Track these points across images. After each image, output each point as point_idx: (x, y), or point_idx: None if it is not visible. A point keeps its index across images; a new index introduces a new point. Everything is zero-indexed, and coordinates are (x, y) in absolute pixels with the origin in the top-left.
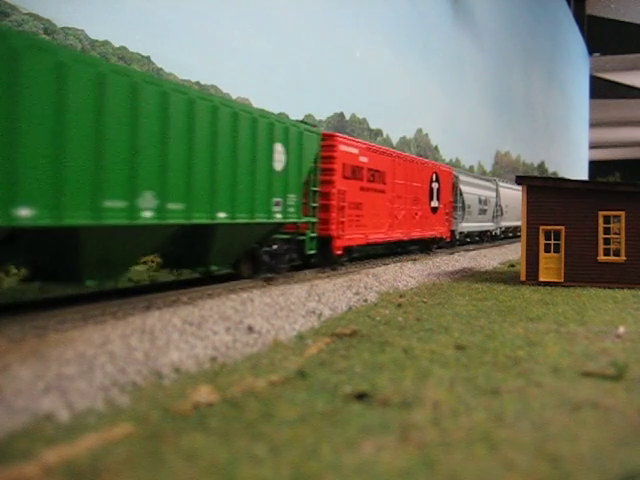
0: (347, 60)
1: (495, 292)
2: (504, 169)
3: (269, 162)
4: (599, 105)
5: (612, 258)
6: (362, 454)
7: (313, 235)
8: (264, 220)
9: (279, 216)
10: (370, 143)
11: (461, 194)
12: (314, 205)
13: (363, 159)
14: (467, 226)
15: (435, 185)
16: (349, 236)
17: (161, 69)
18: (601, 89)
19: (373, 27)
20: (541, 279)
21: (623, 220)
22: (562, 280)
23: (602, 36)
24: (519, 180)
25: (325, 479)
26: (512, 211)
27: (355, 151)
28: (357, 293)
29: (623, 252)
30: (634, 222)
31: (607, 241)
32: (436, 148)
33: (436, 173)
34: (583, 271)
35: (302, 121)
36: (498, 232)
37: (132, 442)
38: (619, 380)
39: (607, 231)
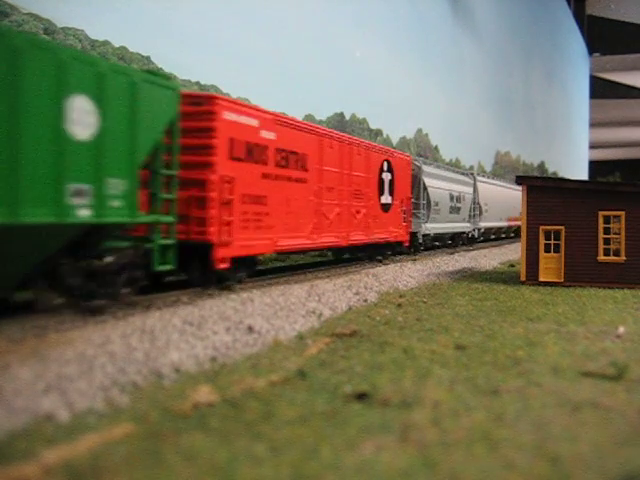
0: (347, 60)
1: (495, 292)
2: (504, 169)
3: (57, 123)
4: (599, 105)
5: (612, 258)
6: (362, 454)
7: (168, 242)
8: (46, 220)
9: (86, 213)
10: (282, 115)
11: (425, 188)
12: (169, 197)
13: (268, 135)
14: (434, 227)
15: (387, 176)
16: (242, 242)
17: (161, 69)
18: (601, 89)
19: (373, 27)
20: (541, 279)
21: (623, 220)
22: (562, 280)
23: (602, 36)
24: (519, 180)
25: (325, 479)
26: (494, 210)
27: (254, 123)
28: (357, 293)
29: (623, 252)
30: (634, 222)
31: (607, 241)
32: (436, 148)
33: (388, 161)
34: (583, 271)
35: (149, 71)
36: (476, 234)
37: (132, 442)
38: (619, 380)
39: (607, 231)
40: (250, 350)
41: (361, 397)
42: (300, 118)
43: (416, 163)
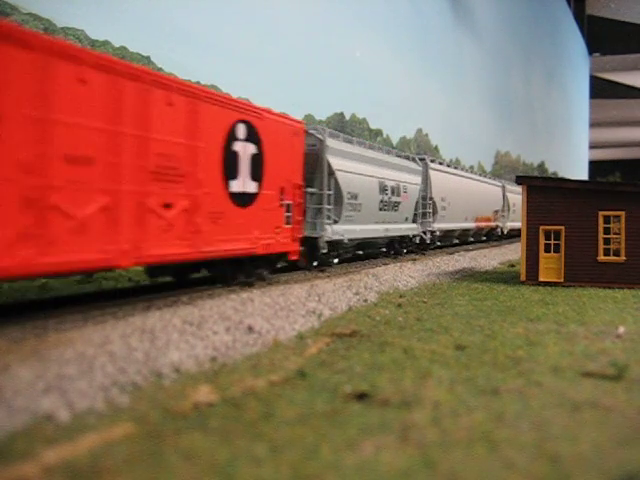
0: (347, 60)
1: (495, 292)
2: (504, 169)
3: None
4: (599, 105)
5: (612, 258)
6: (362, 454)
7: None
8: None
9: None
10: None
11: (332, 173)
12: None
13: None
14: (350, 231)
15: (246, 148)
16: None
17: (161, 69)
18: (601, 89)
19: (373, 27)
20: (541, 279)
21: (623, 220)
22: (562, 280)
23: (602, 36)
24: (519, 180)
25: (325, 479)
26: (456, 207)
27: None
28: (357, 293)
29: (623, 252)
30: (634, 222)
31: (607, 241)
32: (436, 148)
33: (248, 124)
34: (583, 271)
35: None
36: (428, 238)
37: (132, 442)
38: (619, 380)
39: (607, 231)
40: (250, 350)
41: (361, 397)
42: (300, 118)
43: (316, 135)
